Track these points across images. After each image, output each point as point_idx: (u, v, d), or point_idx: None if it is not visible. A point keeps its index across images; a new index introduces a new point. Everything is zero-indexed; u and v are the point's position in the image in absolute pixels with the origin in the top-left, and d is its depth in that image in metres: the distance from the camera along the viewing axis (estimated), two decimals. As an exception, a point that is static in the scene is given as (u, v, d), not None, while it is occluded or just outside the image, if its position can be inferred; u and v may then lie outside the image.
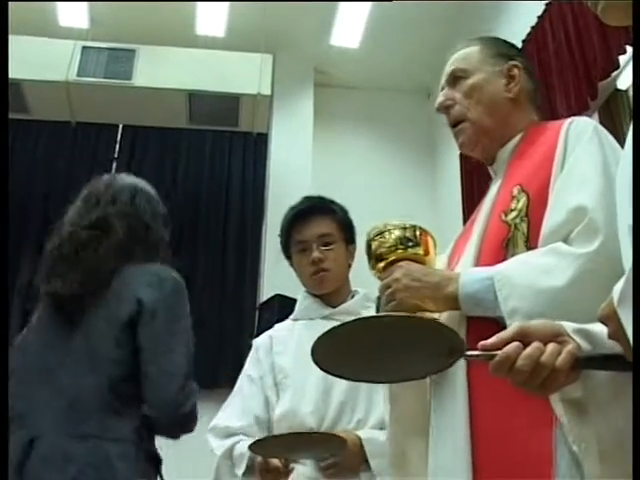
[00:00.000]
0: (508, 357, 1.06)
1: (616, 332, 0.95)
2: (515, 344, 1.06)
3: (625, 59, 3.75)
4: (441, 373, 1.41)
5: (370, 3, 5.79)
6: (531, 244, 1.49)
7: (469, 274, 1.52)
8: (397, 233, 1.58)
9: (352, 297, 2.51)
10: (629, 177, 0.95)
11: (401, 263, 1.55)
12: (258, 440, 2.06)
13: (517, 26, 4.74)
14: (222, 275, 5.99)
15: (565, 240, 1.43)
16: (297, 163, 6.12)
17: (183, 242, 6.08)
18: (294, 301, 2.63)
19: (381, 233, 1.58)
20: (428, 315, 1.51)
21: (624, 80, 4.10)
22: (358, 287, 2.53)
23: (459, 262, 1.66)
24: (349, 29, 6.11)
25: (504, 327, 1.36)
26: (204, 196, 6.27)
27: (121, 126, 6.38)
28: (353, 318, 1.11)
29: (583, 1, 1.22)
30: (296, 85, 6.43)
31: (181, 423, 1.93)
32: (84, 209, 2.12)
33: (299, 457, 2.17)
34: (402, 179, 6.50)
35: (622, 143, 1.13)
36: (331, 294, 2.49)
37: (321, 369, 1.15)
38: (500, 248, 1.53)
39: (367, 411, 2.26)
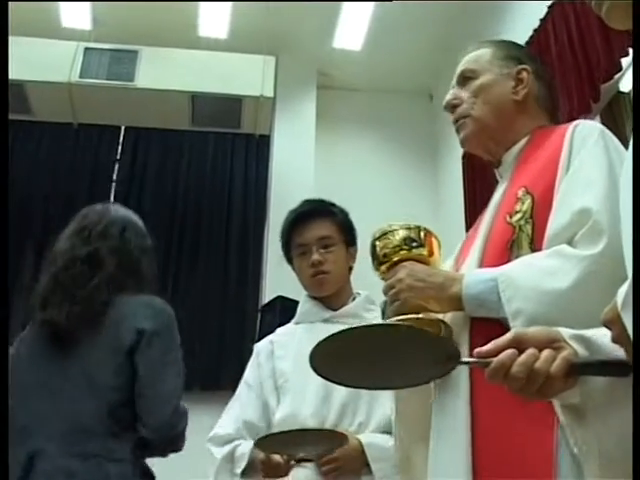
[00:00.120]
0: (503, 364, 1.06)
1: (620, 336, 0.95)
2: (510, 351, 1.07)
3: (628, 61, 3.74)
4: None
5: (373, 6, 5.78)
6: (535, 246, 1.49)
7: (473, 275, 1.52)
8: (401, 234, 1.58)
9: (353, 299, 2.52)
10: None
11: (405, 263, 1.56)
12: (264, 436, 2.08)
13: (520, 28, 4.73)
14: (224, 277, 5.99)
15: (570, 242, 1.43)
16: (299, 165, 6.12)
17: (185, 244, 6.08)
18: (296, 303, 2.64)
19: (385, 234, 1.59)
20: (432, 316, 1.52)
21: (627, 83, 4.09)
22: (362, 289, 2.53)
23: (464, 264, 1.66)
24: (352, 31, 6.11)
25: (508, 328, 1.37)
26: (206, 198, 6.27)
27: (123, 127, 6.38)
28: (350, 326, 1.12)
29: (587, 3, 1.22)
30: (299, 87, 6.43)
31: (173, 442, 2.11)
32: (77, 241, 2.22)
33: (302, 453, 2.18)
34: (404, 181, 6.50)
35: (625, 145, 1.13)
36: (332, 297, 2.49)
37: (319, 375, 1.15)
38: (504, 250, 1.53)
39: (368, 414, 2.26)
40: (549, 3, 4.44)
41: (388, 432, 2.24)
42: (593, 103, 3.99)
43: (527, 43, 4.57)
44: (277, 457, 2.19)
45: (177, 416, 2.10)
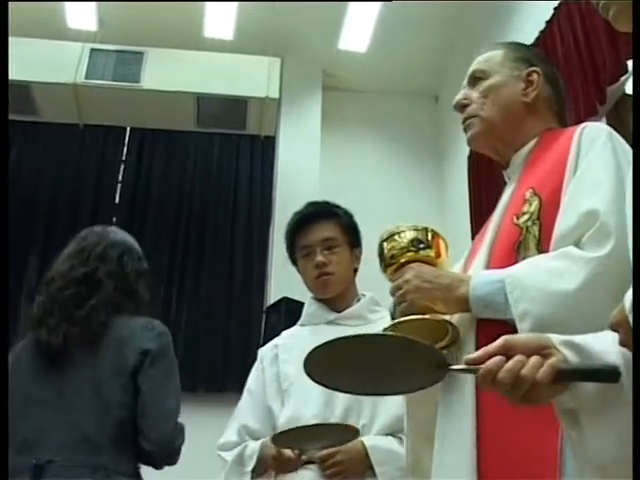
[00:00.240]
0: (490, 371, 1.07)
1: (628, 339, 0.95)
2: (497, 358, 1.08)
3: (634, 63, 3.73)
4: (449, 376, 1.42)
5: (378, 7, 5.78)
6: (542, 247, 1.49)
7: (480, 276, 1.52)
8: (409, 235, 1.58)
9: (358, 301, 2.52)
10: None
11: (412, 265, 1.56)
12: (280, 432, 2.10)
13: (526, 30, 4.73)
14: (229, 278, 5.99)
15: (577, 244, 1.43)
16: (305, 166, 6.12)
17: (191, 245, 6.09)
18: (301, 304, 2.64)
19: (393, 235, 1.59)
20: (439, 317, 1.52)
21: (633, 85, 4.08)
22: (369, 291, 2.53)
23: (472, 265, 1.66)
24: (357, 33, 6.10)
25: (515, 329, 1.37)
26: (212, 199, 6.28)
27: (129, 128, 6.39)
28: (341, 336, 1.13)
29: (593, 5, 1.22)
30: (304, 88, 6.43)
31: (171, 456, 2.23)
32: (76, 262, 2.30)
33: (316, 446, 2.18)
34: (409, 182, 6.50)
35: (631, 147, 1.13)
36: (336, 298, 2.49)
37: (313, 380, 1.18)
38: (512, 251, 1.54)
39: (372, 416, 2.26)
40: (555, 4, 4.43)
41: (392, 434, 2.25)
42: (599, 105, 3.98)
43: (533, 45, 4.56)
44: (289, 452, 2.20)
45: (177, 432, 2.22)
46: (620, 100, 4.21)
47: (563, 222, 1.47)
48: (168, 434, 2.17)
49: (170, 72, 5.65)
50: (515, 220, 1.57)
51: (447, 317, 1.54)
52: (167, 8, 5.77)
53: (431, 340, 1.53)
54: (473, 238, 1.86)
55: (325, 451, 2.20)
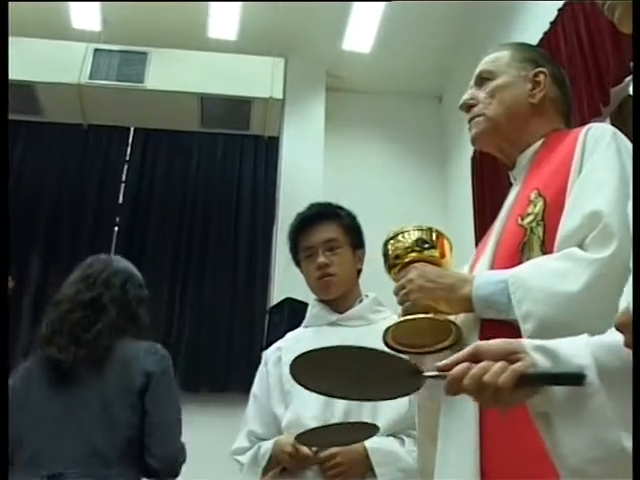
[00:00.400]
0: (455, 378, 1.10)
1: (632, 341, 0.95)
2: (463, 365, 1.10)
3: (638, 65, 3.72)
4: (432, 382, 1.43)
5: (382, 8, 5.78)
6: (547, 248, 1.49)
7: (483, 276, 1.53)
8: (413, 235, 1.58)
9: (360, 302, 2.52)
10: None
11: (416, 264, 1.56)
12: (304, 432, 2.10)
13: (530, 31, 4.73)
14: (232, 278, 6.00)
15: (580, 245, 1.44)
16: (308, 167, 6.12)
17: (194, 244, 6.09)
18: (305, 305, 2.64)
19: (397, 235, 1.59)
20: (442, 317, 1.52)
21: (637, 86, 4.08)
22: (374, 291, 2.53)
23: (477, 266, 1.67)
24: (361, 33, 6.10)
25: (518, 330, 1.37)
26: (215, 199, 6.28)
27: (133, 129, 6.40)
28: (323, 346, 1.17)
29: (598, 6, 1.21)
30: (308, 89, 6.43)
31: (175, 471, 2.36)
32: (82, 287, 2.45)
33: (339, 443, 2.19)
34: (413, 183, 6.49)
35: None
36: (338, 300, 2.50)
37: (297, 383, 1.22)
38: (516, 252, 1.54)
39: (372, 418, 2.25)
40: (559, 6, 4.43)
41: (393, 435, 2.26)
42: (603, 106, 3.98)
43: (537, 46, 4.56)
44: (306, 449, 2.21)
45: (180, 449, 2.37)
46: (624, 101, 4.20)
47: (567, 223, 1.48)
48: (172, 453, 2.33)
49: (174, 72, 5.66)
50: (519, 221, 1.57)
51: (451, 317, 1.54)
52: (171, 8, 5.77)
53: (434, 340, 1.54)
54: (477, 239, 1.86)
55: (326, 452, 2.21)
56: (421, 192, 6.42)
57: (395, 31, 5.99)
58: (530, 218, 1.55)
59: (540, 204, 1.55)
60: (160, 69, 5.63)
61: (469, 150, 5.25)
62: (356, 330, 2.42)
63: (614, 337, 1.07)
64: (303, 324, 2.60)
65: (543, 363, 1.09)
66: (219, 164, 6.42)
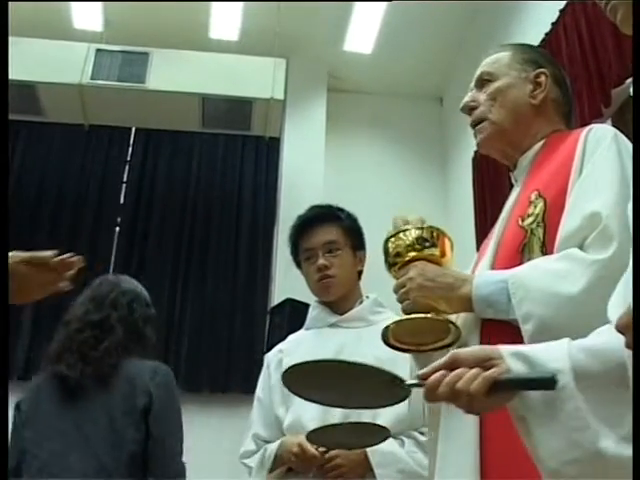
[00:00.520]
0: (431, 386, 1.13)
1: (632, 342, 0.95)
2: (439, 373, 1.13)
3: (640, 66, 3.72)
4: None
5: (383, 9, 5.78)
6: (547, 249, 1.49)
7: (483, 276, 1.54)
8: (414, 233, 1.58)
9: (361, 303, 2.52)
10: None
11: (416, 263, 1.56)
12: (313, 430, 2.09)
13: (531, 32, 4.73)
14: (233, 278, 6.00)
15: (580, 246, 1.44)
16: (309, 167, 6.12)
17: (195, 245, 6.10)
18: (305, 305, 2.65)
19: (398, 233, 1.59)
20: (441, 316, 1.53)
21: (638, 87, 4.07)
22: (375, 292, 2.53)
23: (478, 267, 1.67)
24: (362, 34, 6.11)
25: (519, 330, 1.37)
26: (216, 199, 6.29)
27: (134, 129, 6.40)
28: (314, 359, 1.23)
29: (600, 7, 1.21)
30: (309, 90, 6.43)
31: None
32: (91, 308, 2.55)
33: (349, 444, 2.18)
34: (414, 184, 6.50)
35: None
36: (339, 301, 2.51)
37: (290, 391, 1.28)
38: (516, 253, 1.54)
39: (372, 419, 2.25)
40: (561, 6, 4.43)
41: (392, 437, 2.25)
42: (604, 108, 3.98)
43: (538, 46, 4.55)
44: (312, 449, 2.20)
45: (181, 467, 2.44)
46: (625, 102, 4.21)
47: (567, 224, 1.48)
48: (173, 473, 2.40)
49: (175, 73, 5.65)
50: (520, 222, 1.57)
51: (454, 317, 1.55)
52: (172, 9, 5.77)
53: (433, 338, 1.55)
54: (478, 240, 1.86)
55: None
56: (422, 193, 6.42)
57: (396, 32, 5.99)
58: (530, 219, 1.55)
59: (540, 205, 1.55)
60: (161, 69, 5.63)
61: (470, 151, 5.26)
62: (356, 331, 2.42)
63: (596, 340, 1.11)
64: (304, 326, 2.60)
65: (518, 368, 1.11)
66: (220, 164, 6.43)
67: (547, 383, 1.05)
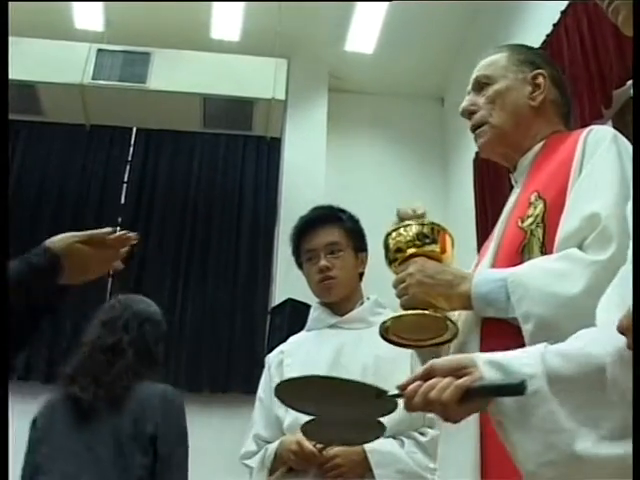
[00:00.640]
0: (408, 396, 1.17)
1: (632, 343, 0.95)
2: (415, 384, 1.16)
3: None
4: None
5: (385, 9, 5.78)
6: (546, 250, 1.50)
7: (483, 274, 1.54)
8: (415, 229, 1.59)
9: (361, 304, 2.53)
10: None
11: (416, 259, 1.57)
12: (309, 421, 2.08)
13: (532, 33, 4.72)
14: (234, 279, 6.00)
15: (580, 246, 1.44)
16: (310, 168, 6.12)
17: (196, 245, 6.09)
18: (306, 306, 2.65)
19: (399, 228, 1.60)
20: (439, 313, 1.53)
21: None
22: (377, 293, 2.53)
23: (478, 269, 1.67)
24: (364, 34, 6.11)
25: (519, 329, 1.38)
26: (217, 199, 6.28)
27: (135, 129, 6.40)
28: (304, 375, 1.27)
29: (602, 8, 1.21)
30: (310, 90, 6.43)
31: None
32: (103, 332, 2.63)
33: (343, 442, 2.18)
34: (415, 184, 6.49)
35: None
36: (340, 302, 2.51)
37: (283, 404, 1.30)
38: (516, 254, 1.54)
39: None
40: (563, 7, 4.43)
41: (393, 437, 2.25)
42: (605, 109, 3.98)
43: (540, 47, 4.56)
44: (310, 446, 2.19)
45: None
46: (626, 104, 4.21)
47: (566, 225, 1.48)
48: None
49: (177, 73, 5.65)
50: (520, 223, 1.58)
51: (455, 315, 1.56)
52: (174, 9, 5.77)
53: (431, 334, 1.56)
54: (479, 240, 1.87)
55: (327, 452, 2.21)
56: (423, 193, 6.40)
57: (397, 32, 5.99)
58: (530, 220, 1.55)
59: (540, 206, 1.55)
60: (163, 69, 5.62)
61: (471, 151, 5.25)
62: (356, 332, 2.43)
63: (574, 344, 1.13)
64: (305, 328, 2.61)
65: (492, 376, 1.13)
66: (221, 165, 6.42)
67: (517, 389, 1.08)
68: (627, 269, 1.13)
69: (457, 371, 1.15)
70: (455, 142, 6.24)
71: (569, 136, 1.68)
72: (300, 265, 2.57)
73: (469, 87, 1.84)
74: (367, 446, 2.21)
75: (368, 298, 2.55)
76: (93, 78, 5.53)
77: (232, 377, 5.54)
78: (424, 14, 5.86)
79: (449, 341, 1.56)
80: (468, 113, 1.81)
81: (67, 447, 2.46)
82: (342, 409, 1.26)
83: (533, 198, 1.58)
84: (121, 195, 6.27)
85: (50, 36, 5.57)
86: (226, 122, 6.00)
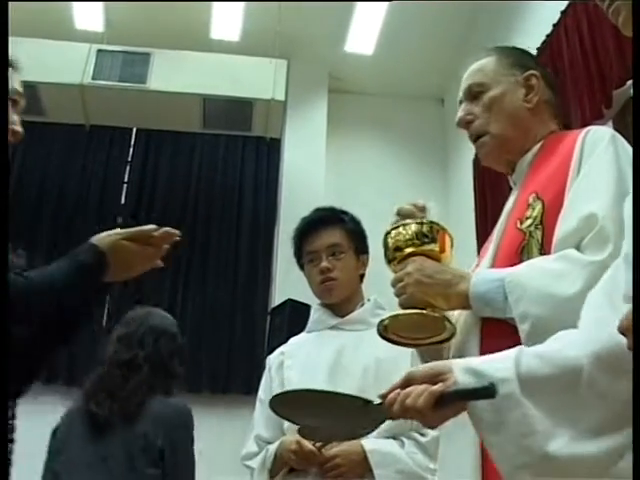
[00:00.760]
0: (388, 404, 1.22)
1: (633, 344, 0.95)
2: (394, 392, 1.22)
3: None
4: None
5: (385, 10, 5.78)
6: (545, 251, 1.50)
7: (481, 274, 1.54)
8: (414, 228, 1.59)
9: (362, 306, 2.52)
10: None
11: (415, 258, 1.57)
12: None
13: (532, 34, 4.72)
14: (234, 279, 6.00)
15: (577, 247, 1.44)
16: (310, 168, 6.12)
17: (196, 245, 6.09)
18: (306, 306, 2.65)
19: (398, 227, 1.60)
20: (437, 312, 1.53)
21: (640, 88, 4.07)
22: (377, 294, 2.53)
23: (477, 271, 1.66)
24: (364, 35, 6.11)
25: (516, 328, 1.38)
26: (217, 200, 6.29)
27: (135, 129, 6.40)
28: (295, 389, 1.34)
29: (602, 9, 1.21)
30: (310, 91, 6.43)
31: None
32: (119, 347, 2.72)
33: (340, 437, 2.18)
34: (415, 185, 6.48)
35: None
36: (341, 304, 2.51)
37: (277, 415, 1.35)
38: (515, 255, 1.54)
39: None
40: (562, 7, 4.43)
41: (393, 437, 2.25)
42: (605, 109, 3.98)
43: (539, 48, 4.56)
44: (309, 445, 2.20)
45: None
46: (626, 104, 4.21)
47: (564, 225, 1.48)
48: None
49: (176, 73, 5.65)
50: (518, 225, 1.57)
51: (455, 316, 1.57)
52: (174, 9, 5.78)
53: (429, 333, 1.57)
54: (479, 241, 1.87)
55: (327, 453, 2.21)
56: (423, 194, 6.28)
57: (397, 33, 6.00)
58: (529, 222, 1.55)
59: (538, 207, 1.55)
60: (163, 70, 5.63)
61: (471, 152, 5.22)
62: (357, 334, 2.43)
63: (552, 346, 1.16)
64: (306, 329, 2.61)
65: (466, 381, 1.16)
66: (221, 165, 6.43)
67: (487, 392, 1.12)
68: (617, 265, 1.13)
69: (433, 378, 1.19)
70: (455, 143, 6.24)
71: (567, 136, 1.68)
72: (302, 267, 2.57)
73: (461, 96, 1.81)
74: (367, 446, 2.21)
75: (369, 299, 2.55)
76: (93, 78, 5.54)
77: (232, 378, 5.54)
78: (424, 14, 5.86)
79: (447, 340, 1.56)
80: (465, 123, 1.78)
81: (83, 459, 2.54)
82: (335, 420, 1.30)
83: (531, 199, 1.58)
84: (121, 195, 6.27)
85: (50, 36, 5.57)
86: (226, 123, 6.00)
